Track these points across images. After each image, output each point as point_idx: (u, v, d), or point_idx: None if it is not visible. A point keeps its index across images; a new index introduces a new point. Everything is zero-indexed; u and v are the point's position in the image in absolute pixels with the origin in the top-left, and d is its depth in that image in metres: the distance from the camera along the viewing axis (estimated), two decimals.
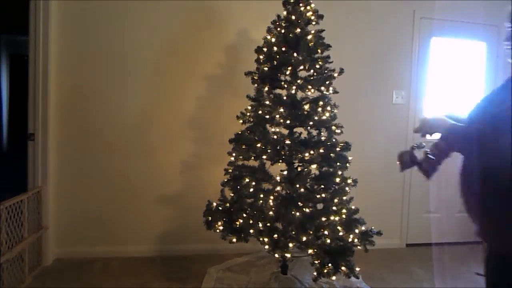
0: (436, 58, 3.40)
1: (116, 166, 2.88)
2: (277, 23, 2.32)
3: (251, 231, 2.18)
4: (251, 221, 2.20)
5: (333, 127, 2.25)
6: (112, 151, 2.85)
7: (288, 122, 2.21)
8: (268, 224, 2.18)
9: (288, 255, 2.12)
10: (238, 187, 2.29)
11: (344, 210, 2.18)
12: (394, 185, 3.35)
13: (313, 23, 2.31)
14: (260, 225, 2.19)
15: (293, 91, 2.24)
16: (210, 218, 2.33)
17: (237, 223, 2.23)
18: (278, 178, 2.24)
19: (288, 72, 2.24)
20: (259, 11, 2.87)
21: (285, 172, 2.28)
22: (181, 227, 2.95)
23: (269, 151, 2.20)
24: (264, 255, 2.82)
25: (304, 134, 2.33)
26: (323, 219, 2.13)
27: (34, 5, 2.59)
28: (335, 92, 2.31)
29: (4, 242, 2.11)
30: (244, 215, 2.24)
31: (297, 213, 2.13)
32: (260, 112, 2.24)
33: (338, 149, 2.22)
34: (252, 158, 2.27)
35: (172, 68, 2.91)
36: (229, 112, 2.61)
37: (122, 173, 2.89)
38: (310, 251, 2.05)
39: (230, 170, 2.33)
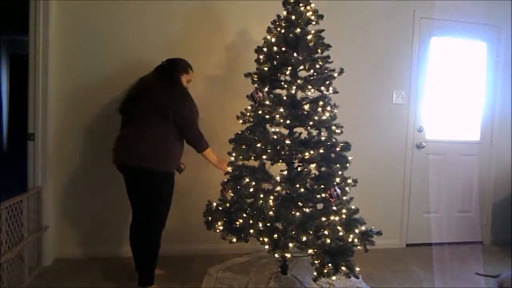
0: (436, 58, 3.40)
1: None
2: (277, 23, 2.32)
3: (251, 231, 2.19)
4: (251, 221, 2.20)
5: (333, 127, 2.25)
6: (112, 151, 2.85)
7: (288, 122, 2.21)
8: (268, 224, 2.18)
9: (288, 255, 2.12)
10: (238, 187, 2.29)
11: (344, 210, 2.18)
12: (394, 185, 3.35)
13: (313, 23, 2.31)
14: (260, 225, 2.19)
15: (293, 91, 2.25)
16: (210, 218, 2.33)
17: (237, 223, 2.23)
18: (278, 178, 2.24)
19: (288, 72, 2.24)
20: (259, 11, 2.87)
21: (285, 172, 2.28)
22: (181, 227, 2.94)
23: (269, 151, 2.20)
24: (264, 255, 2.82)
25: (304, 134, 2.33)
26: (323, 219, 2.13)
27: (34, 5, 2.58)
28: (335, 92, 2.31)
29: (4, 242, 2.11)
30: (244, 215, 2.24)
31: (297, 213, 2.13)
32: (260, 112, 2.25)
33: (338, 149, 2.22)
34: (252, 158, 2.27)
35: None
36: (229, 112, 2.61)
37: None
38: (310, 251, 2.06)
39: (230, 170, 2.33)
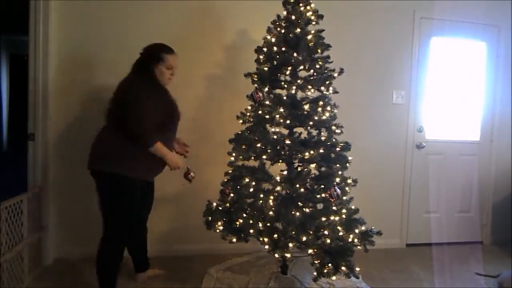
0: (436, 58, 3.40)
1: None
2: (277, 23, 2.32)
3: (251, 231, 2.18)
4: (251, 221, 2.20)
5: (333, 127, 2.25)
6: None
7: (288, 122, 2.21)
8: (268, 224, 2.18)
9: (288, 255, 2.12)
10: (238, 187, 2.29)
11: (344, 210, 2.18)
12: (394, 185, 3.35)
13: (313, 23, 2.31)
14: (260, 225, 2.19)
15: (293, 91, 2.25)
16: (210, 218, 2.33)
17: (237, 223, 2.23)
18: (278, 178, 2.24)
19: (288, 72, 2.24)
20: (259, 11, 2.87)
21: (285, 172, 2.28)
22: (181, 227, 2.94)
23: (269, 151, 2.20)
24: (264, 255, 2.82)
25: (304, 134, 2.33)
26: (323, 219, 2.13)
27: (34, 5, 2.59)
28: (335, 92, 2.31)
29: (4, 242, 2.11)
30: (244, 215, 2.24)
31: (297, 213, 2.13)
32: (260, 112, 2.24)
33: (338, 149, 2.22)
34: (252, 158, 2.26)
35: None
36: (229, 112, 2.61)
37: None
38: (310, 251, 2.05)
39: (230, 171, 2.33)
